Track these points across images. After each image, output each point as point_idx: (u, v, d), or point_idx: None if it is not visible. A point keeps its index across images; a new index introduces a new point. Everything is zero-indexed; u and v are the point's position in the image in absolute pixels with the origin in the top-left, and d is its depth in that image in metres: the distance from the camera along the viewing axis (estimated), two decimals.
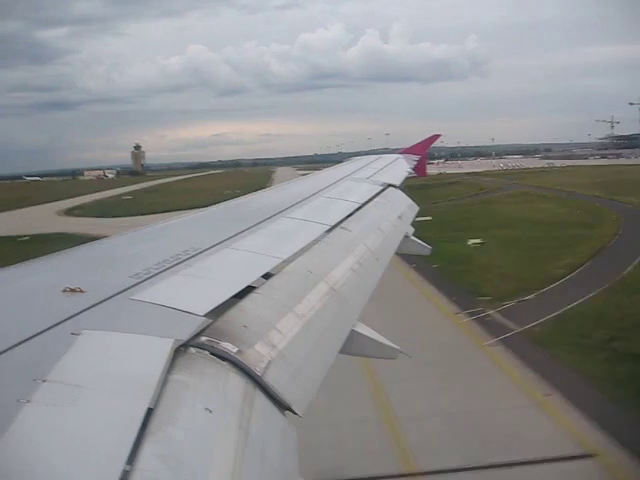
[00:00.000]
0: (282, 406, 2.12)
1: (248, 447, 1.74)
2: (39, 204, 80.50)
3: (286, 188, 7.22)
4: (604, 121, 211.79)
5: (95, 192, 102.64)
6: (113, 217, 54.40)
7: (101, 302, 2.33)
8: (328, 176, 7.97)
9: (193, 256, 3.14)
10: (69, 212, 68.05)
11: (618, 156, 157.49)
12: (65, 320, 2.11)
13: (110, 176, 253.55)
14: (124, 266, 2.93)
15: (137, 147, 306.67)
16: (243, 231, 3.85)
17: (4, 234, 43.85)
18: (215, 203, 5.48)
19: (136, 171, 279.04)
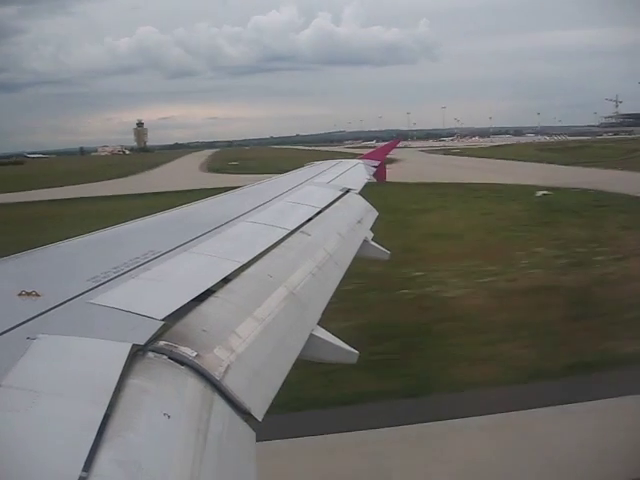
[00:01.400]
0: (241, 410, 2.13)
1: (207, 452, 1.75)
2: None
3: (247, 192, 7.21)
4: (610, 100, 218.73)
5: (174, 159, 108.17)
6: (253, 174, 51.39)
7: (57, 306, 2.30)
8: (288, 180, 7.99)
9: (152, 260, 3.11)
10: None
11: (629, 133, 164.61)
12: (20, 324, 2.07)
13: (127, 152, 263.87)
14: (81, 270, 2.89)
15: (140, 124, 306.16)
16: (203, 235, 3.84)
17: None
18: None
19: (145, 148, 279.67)
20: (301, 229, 4.67)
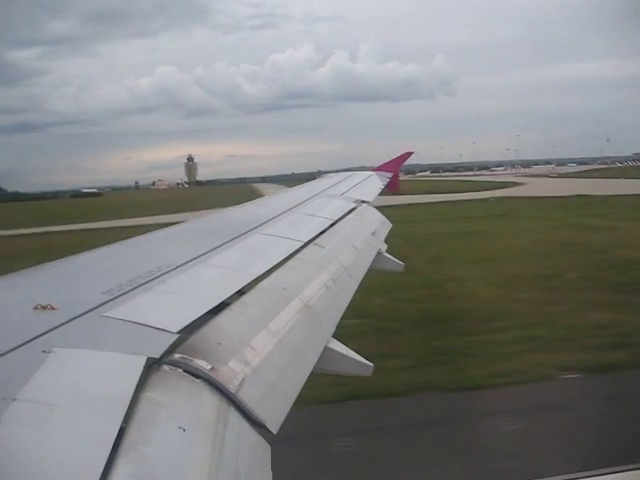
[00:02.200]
0: (256, 423, 2.11)
1: (222, 465, 1.74)
2: None
3: (260, 204, 7.23)
4: None
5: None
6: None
7: (73, 319, 2.31)
8: (302, 193, 8.01)
9: (166, 272, 3.12)
10: None
11: None
12: (36, 338, 2.08)
13: (186, 185, 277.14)
14: (96, 283, 2.90)
15: (190, 159, 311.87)
16: (217, 247, 3.84)
17: None
18: None
19: (200, 182, 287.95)
20: (315, 241, 4.67)
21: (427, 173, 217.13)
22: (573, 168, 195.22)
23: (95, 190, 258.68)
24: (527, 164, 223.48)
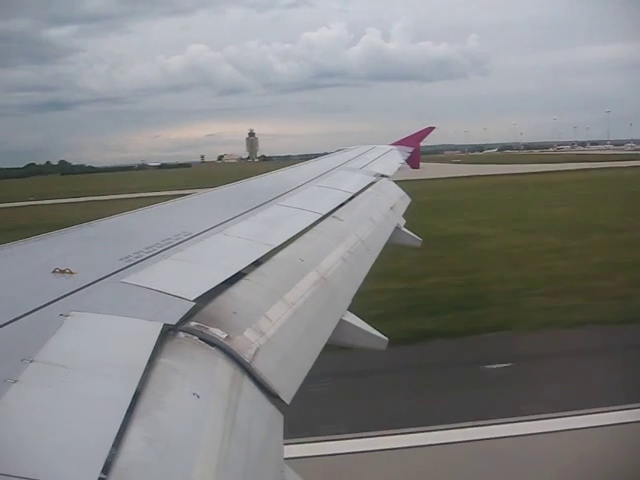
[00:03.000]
0: (269, 393, 2.13)
1: (235, 432, 1.75)
2: None
3: (279, 176, 7.20)
4: None
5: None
6: None
7: (91, 284, 2.32)
8: (321, 165, 7.96)
9: (184, 240, 3.13)
10: None
11: None
12: (54, 301, 2.10)
13: (256, 160, 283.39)
14: (115, 249, 2.91)
15: (251, 134, 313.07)
16: (235, 217, 3.84)
17: None
18: None
19: (265, 157, 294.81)
20: (333, 214, 4.65)
21: (494, 151, 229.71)
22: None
23: (159, 164, 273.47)
24: (620, 143, 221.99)
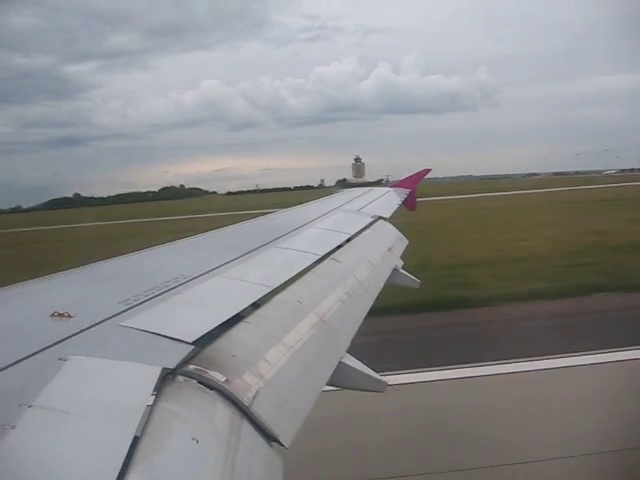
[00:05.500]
0: (269, 437, 2.10)
1: (234, 477, 1.73)
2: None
3: (277, 218, 7.25)
4: None
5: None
6: None
7: (89, 327, 2.32)
8: (319, 207, 8.02)
9: (182, 284, 3.13)
10: None
11: None
12: (53, 345, 2.09)
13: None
14: (113, 292, 2.92)
15: (357, 159, 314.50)
16: (233, 260, 3.85)
17: None
18: None
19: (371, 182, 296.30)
20: (331, 256, 4.66)
21: (613, 171, 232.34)
22: None
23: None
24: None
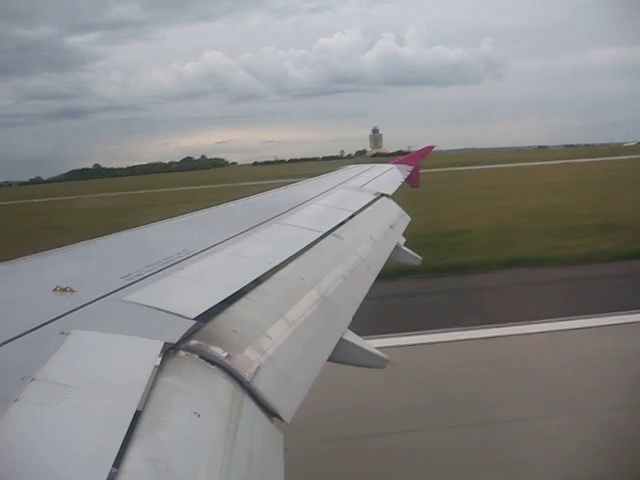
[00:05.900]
0: (270, 412, 2.12)
1: (235, 451, 1.74)
2: None
3: (279, 194, 7.23)
4: None
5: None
6: None
7: (91, 302, 2.33)
8: (321, 183, 7.99)
9: (185, 259, 3.13)
10: None
11: None
12: (55, 319, 2.10)
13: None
14: (116, 267, 2.92)
15: (375, 130, 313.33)
16: (235, 235, 3.85)
17: None
18: None
19: (389, 152, 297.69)
20: (334, 232, 4.66)
21: (633, 143, 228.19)
22: None
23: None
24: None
